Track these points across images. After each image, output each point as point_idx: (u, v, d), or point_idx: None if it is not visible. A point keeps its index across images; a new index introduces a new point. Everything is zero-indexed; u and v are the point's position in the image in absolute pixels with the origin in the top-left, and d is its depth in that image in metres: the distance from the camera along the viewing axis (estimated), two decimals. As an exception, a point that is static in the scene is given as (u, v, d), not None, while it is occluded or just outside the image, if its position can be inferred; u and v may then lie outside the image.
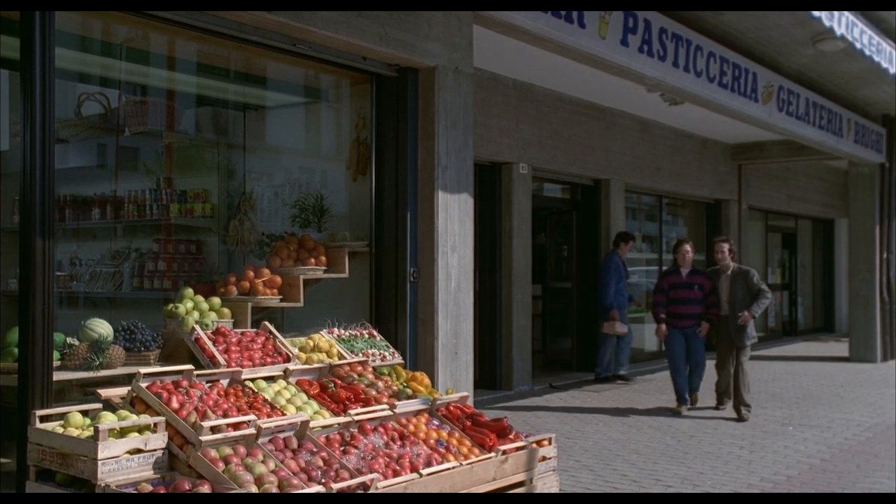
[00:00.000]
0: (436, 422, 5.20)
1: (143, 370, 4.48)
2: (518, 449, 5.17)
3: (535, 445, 5.32)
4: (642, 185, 13.24)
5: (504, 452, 5.04)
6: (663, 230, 14.75)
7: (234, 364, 4.95)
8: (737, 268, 9.03)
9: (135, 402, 4.35)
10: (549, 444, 5.49)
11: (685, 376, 9.25)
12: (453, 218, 6.44)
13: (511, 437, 5.26)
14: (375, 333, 6.11)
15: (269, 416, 4.51)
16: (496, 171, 10.56)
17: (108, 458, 3.89)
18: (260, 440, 4.30)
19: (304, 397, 4.94)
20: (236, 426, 4.26)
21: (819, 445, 7.45)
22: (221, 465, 4.03)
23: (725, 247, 9.04)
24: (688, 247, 9.28)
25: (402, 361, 6.03)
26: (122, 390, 4.44)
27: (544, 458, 5.37)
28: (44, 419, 4.20)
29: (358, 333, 5.99)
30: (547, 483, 5.37)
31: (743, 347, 8.91)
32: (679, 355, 9.19)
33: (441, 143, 6.33)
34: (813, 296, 20.12)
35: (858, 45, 8.63)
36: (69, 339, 4.84)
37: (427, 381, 5.75)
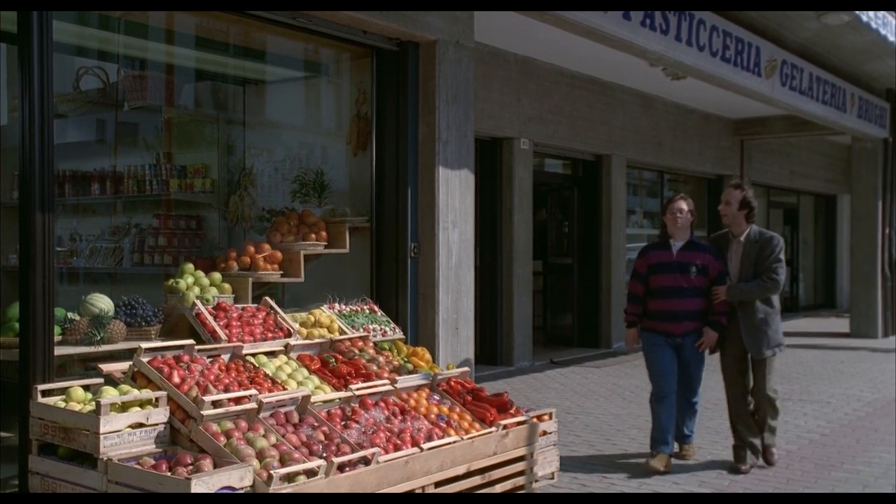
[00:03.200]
0: (436, 397, 5.22)
1: (145, 345, 4.49)
2: (519, 424, 5.18)
3: (535, 420, 5.34)
4: (644, 161, 13.20)
5: (505, 427, 5.05)
6: (665, 206, 14.71)
7: (235, 339, 4.95)
8: (756, 232, 5.94)
9: (136, 377, 4.36)
10: (550, 418, 5.51)
11: (672, 407, 5.95)
12: (454, 193, 6.42)
13: (512, 411, 5.28)
14: (376, 309, 6.11)
15: (270, 390, 4.51)
16: (497, 147, 10.52)
17: (109, 433, 3.90)
18: (261, 415, 4.31)
19: (305, 372, 4.95)
20: (237, 401, 4.27)
21: (819, 420, 7.47)
22: (223, 439, 4.04)
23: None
24: (683, 205, 5.99)
25: (403, 337, 6.04)
26: (124, 365, 4.45)
27: (545, 433, 5.38)
28: (45, 394, 4.21)
29: (359, 309, 5.99)
30: (548, 458, 5.39)
31: (761, 359, 5.86)
32: (666, 374, 5.93)
33: (442, 118, 6.29)
34: (814, 272, 20.12)
35: (865, 18, 8.55)
36: (70, 314, 4.84)
37: (428, 356, 5.76)
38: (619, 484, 5.51)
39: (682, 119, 13.79)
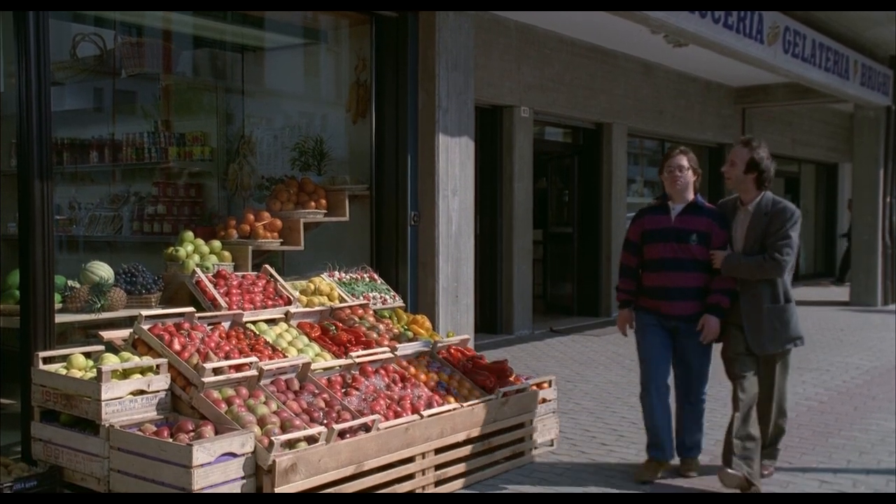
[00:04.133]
0: (436, 364, 5.23)
1: (145, 312, 4.50)
2: (518, 391, 5.20)
3: (535, 388, 5.36)
4: (645, 129, 13.13)
5: (504, 395, 5.07)
6: (665, 175, 14.67)
7: (235, 307, 4.96)
8: (769, 201, 4.83)
9: (137, 345, 4.37)
10: (550, 386, 5.53)
11: (663, 403, 4.98)
12: (454, 161, 6.39)
13: (511, 379, 5.30)
14: (376, 277, 6.11)
15: (270, 358, 4.53)
16: (497, 115, 10.45)
17: (111, 399, 3.92)
18: (262, 382, 4.33)
19: (306, 340, 4.97)
20: (238, 368, 4.29)
21: (817, 388, 7.50)
22: (224, 406, 4.06)
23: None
24: (683, 160, 4.99)
25: (403, 305, 6.05)
26: (124, 332, 4.46)
27: (544, 401, 5.41)
28: (46, 361, 4.22)
29: (359, 277, 5.99)
30: (547, 425, 5.42)
31: (770, 354, 4.89)
32: (654, 362, 4.98)
33: (442, 85, 6.25)
34: (815, 240, 20.11)
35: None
36: (70, 282, 4.85)
37: (428, 324, 5.77)
38: (619, 451, 5.54)
39: (683, 87, 13.70)
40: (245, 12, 7.01)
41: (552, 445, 5.48)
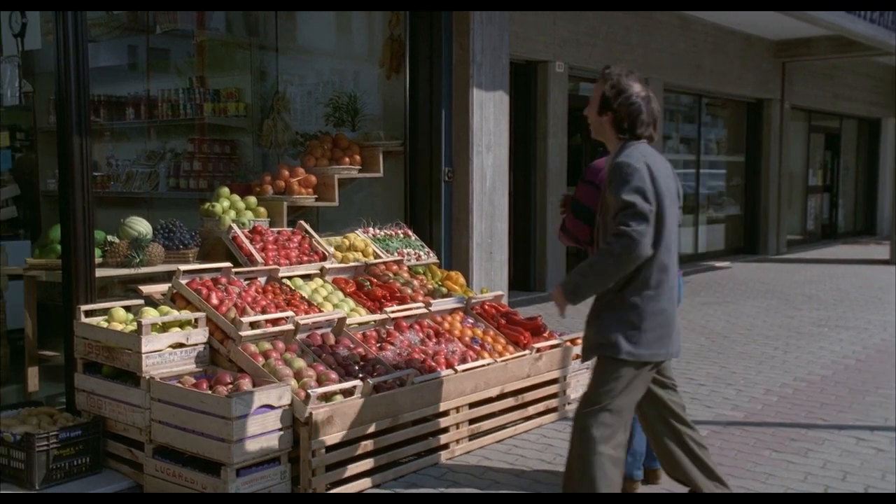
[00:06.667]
0: (470, 320, 5.25)
1: (183, 267, 4.55)
2: (552, 347, 5.21)
3: (569, 344, 5.36)
4: (682, 84, 12.90)
5: (538, 350, 5.08)
6: (702, 132, 14.45)
7: (271, 262, 5.00)
8: (612, 158, 3.41)
9: (175, 299, 4.43)
10: (583, 342, 5.52)
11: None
12: (488, 117, 6.34)
13: (545, 335, 5.30)
14: (410, 233, 6.12)
15: (306, 312, 4.57)
16: (531, 70, 10.33)
17: (151, 352, 3.98)
18: (298, 336, 4.38)
19: (341, 295, 5.00)
20: (275, 322, 4.33)
21: (855, 346, 7.42)
22: (261, 359, 4.11)
23: None
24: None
25: (437, 261, 6.06)
26: (163, 287, 4.52)
27: (578, 357, 5.41)
28: (88, 314, 4.30)
29: (393, 233, 6.00)
30: (581, 381, 5.43)
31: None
32: None
33: (476, 40, 6.18)
34: (855, 198, 19.76)
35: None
36: (109, 238, 4.91)
37: (462, 280, 5.77)
38: (652, 407, 5.54)
39: (721, 41, 13.41)
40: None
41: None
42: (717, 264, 13.68)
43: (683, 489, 3.74)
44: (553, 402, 5.20)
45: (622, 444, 3.36)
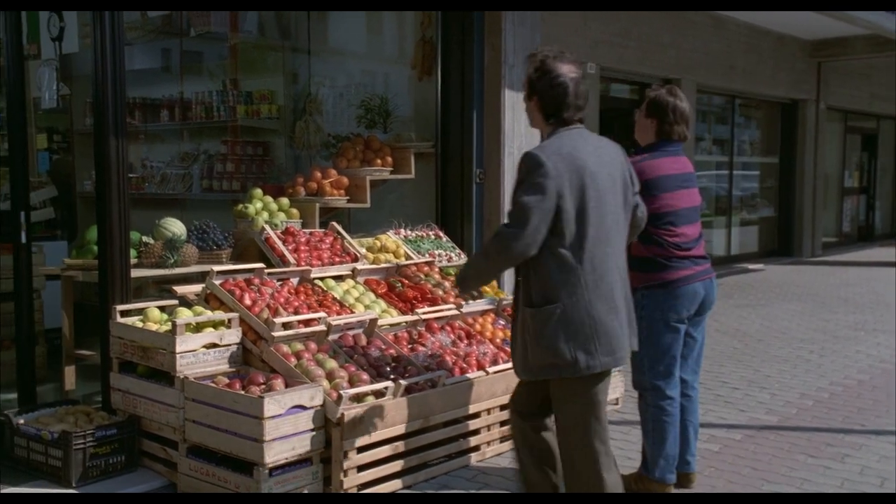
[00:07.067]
0: (501, 321, 5.24)
1: (216, 268, 4.59)
2: (584, 349, 5.17)
3: (601, 346, 5.32)
4: (714, 85, 12.78)
5: (570, 352, 5.05)
6: (735, 133, 14.30)
7: (303, 263, 5.03)
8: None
9: (209, 299, 4.47)
10: (615, 344, 5.49)
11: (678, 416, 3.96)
12: (520, 118, 6.32)
13: (577, 337, 5.27)
14: (441, 234, 6.12)
15: (338, 313, 4.59)
16: (563, 71, 10.28)
17: (185, 352, 4.02)
18: (330, 337, 4.40)
19: (372, 296, 5.01)
20: (307, 323, 4.35)
21: (892, 350, 7.30)
22: (294, 359, 4.13)
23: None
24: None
25: (468, 262, 6.04)
26: (197, 287, 4.56)
27: (610, 359, 5.37)
28: (124, 314, 4.35)
29: (424, 234, 6.00)
30: (612, 383, 5.39)
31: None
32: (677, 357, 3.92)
33: (508, 41, 6.16)
34: (892, 199, 19.43)
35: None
36: (144, 238, 4.97)
37: (493, 281, 5.76)
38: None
39: (755, 41, 13.26)
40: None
41: (617, 404, 5.46)
42: (751, 266, 13.53)
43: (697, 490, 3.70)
44: (585, 405, 5.16)
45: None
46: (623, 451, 4.65)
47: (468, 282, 3.40)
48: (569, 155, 3.08)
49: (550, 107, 3.19)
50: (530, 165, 3.06)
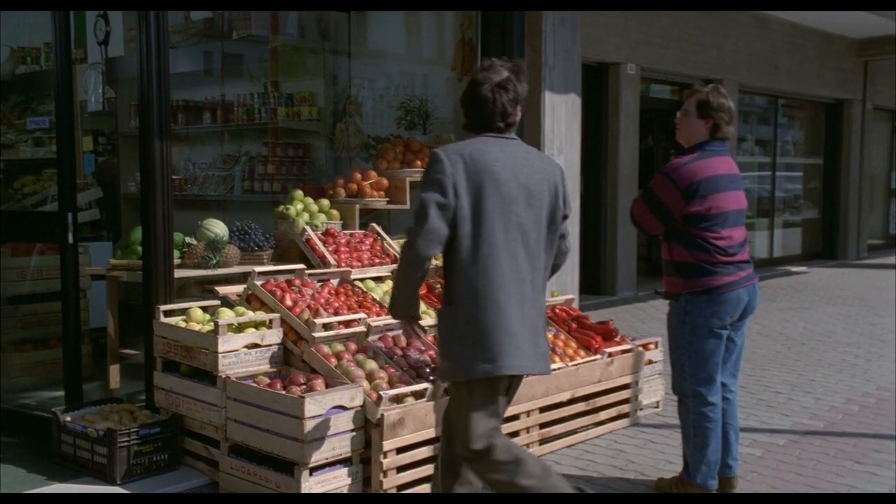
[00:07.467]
0: (541, 324, 5.21)
1: (258, 269, 4.63)
2: (624, 352, 5.14)
3: (641, 349, 5.29)
4: (757, 86, 12.62)
5: (610, 355, 5.02)
6: (778, 133, 14.09)
7: (343, 264, 5.05)
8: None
9: (250, 300, 4.51)
10: (656, 347, 5.45)
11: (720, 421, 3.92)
12: (560, 119, 6.30)
13: (617, 339, 5.24)
14: (480, 236, 6.11)
15: (378, 314, 4.60)
16: (603, 72, 10.23)
17: (227, 352, 4.06)
18: (370, 338, 4.41)
19: (412, 297, 5.01)
20: (347, 324, 4.38)
21: (939, 356, 7.14)
22: (334, 360, 4.15)
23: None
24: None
25: (507, 264, 6.02)
26: (238, 288, 4.61)
27: (650, 362, 5.33)
28: (167, 314, 4.41)
29: (463, 236, 5.99)
30: (653, 387, 5.35)
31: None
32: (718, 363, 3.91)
33: (548, 42, 6.15)
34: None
35: None
36: (187, 239, 5.03)
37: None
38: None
39: (800, 40, 13.07)
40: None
41: (658, 407, 5.41)
42: (794, 269, 13.33)
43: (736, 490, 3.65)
44: (625, 408, 5.13)
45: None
46: (664, 455, 4.61)
47: (393, 302, 3.23)
48: (470, 156, 3.02)
49: (467, 116, 3.19)
50: (429, 162, 3.05)
